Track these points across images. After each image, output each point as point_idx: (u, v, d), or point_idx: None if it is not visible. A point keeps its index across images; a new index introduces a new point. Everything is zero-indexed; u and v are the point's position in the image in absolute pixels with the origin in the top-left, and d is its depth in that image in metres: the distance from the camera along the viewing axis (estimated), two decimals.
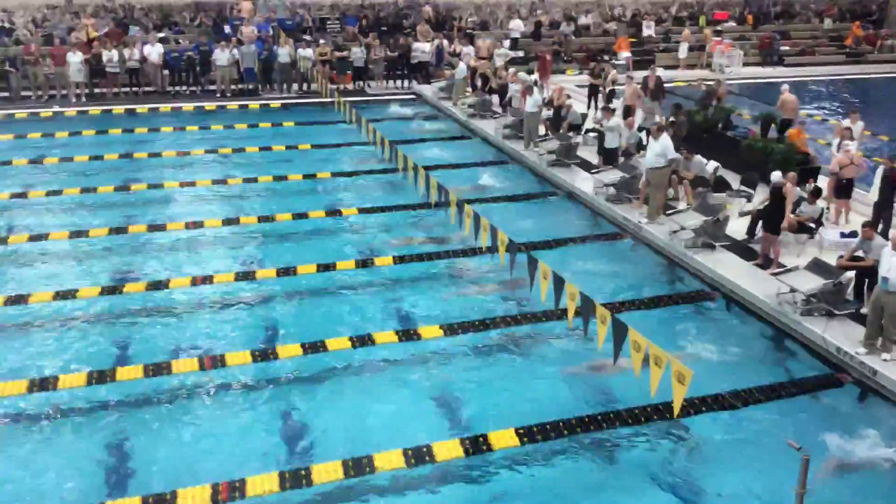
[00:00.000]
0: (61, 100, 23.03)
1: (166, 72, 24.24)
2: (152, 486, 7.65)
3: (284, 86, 24.64)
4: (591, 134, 18.78)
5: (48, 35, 25.66)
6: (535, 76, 22.56)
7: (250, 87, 24.34)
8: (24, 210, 15.12)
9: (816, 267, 10.78)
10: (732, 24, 34.14)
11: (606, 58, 27.34)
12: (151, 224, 14.27)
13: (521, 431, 8.45)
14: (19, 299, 11.35)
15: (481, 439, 8.34)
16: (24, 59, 22.91)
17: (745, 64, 29.84)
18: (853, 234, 12.20)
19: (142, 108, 22.46)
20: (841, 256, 11.11)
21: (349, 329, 10.65)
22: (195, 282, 11.94)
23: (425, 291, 12.02)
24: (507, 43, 28.17)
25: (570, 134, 18.24)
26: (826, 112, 24.32)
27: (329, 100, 21.79)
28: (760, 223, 12.66)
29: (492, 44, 26.44)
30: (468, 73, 23.63)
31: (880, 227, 12.39)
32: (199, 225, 14.28)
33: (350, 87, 25.11)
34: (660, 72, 20.82)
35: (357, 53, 25.11)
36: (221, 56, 23.48)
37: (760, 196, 13.48)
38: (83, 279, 12.16)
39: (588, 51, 29.09)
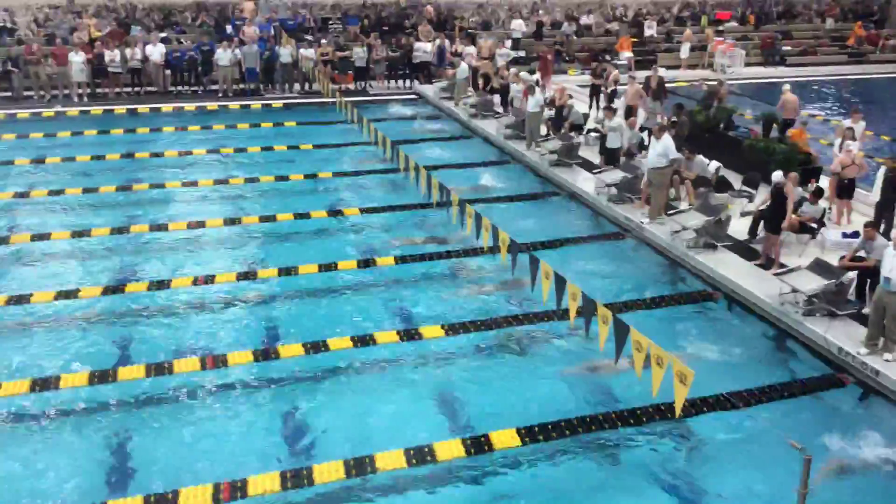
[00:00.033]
0: (63, 99, 23.05)
1: (168, 72, 24.25)
2: (154, 486, 7.66)
3: (286, 86, 24.65)
4: (593, 134, 18.78)
5: (50, 35, 25.69)
6: (537, 76, 22.56)
7: (252, 87, 24.35)
8: (27, 210, 15.14)
9: (818, 267, 10.77)
10: (734, 24, 34.14)
11: (608, 58, 27.33)
12: (153, 224, 14.28)
13: (523, 431, 8.45)
14: (21, 299, 11.36)
15: (483, 439, 8.34)
16: (26, 58, 22.93)
17: (747, 64, 29.82)
18: (855, 235, 12.20)
19: (143, 108, 22.48)
20: (843, 257, 11.11)
21: (350, 329, 10.65)
22: (197, 281, 11.95)
23: (427, 291, 12.02)
24: (508, 43, 28.15)
25: (572, 134, 18.23)
26: (828, 112, 24.30)
27: (331, 100, 21.80)
28: (762, 223, 12.65)
29: (493, 44, 26.43)
30: (470, 73, 23.63)
31: (882, 227, 12.39)
32: (200, 225, 14.29)
33: (352, 87, 25.12)
34: (662, 72, 20.80)
35: (359, 53, 25.11)
36: (223, 56, 23.49)
37: (762, 196, 13.47)
38: (85, 279, 12.18)
39: (590, 51, 29.08)
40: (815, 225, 12.71)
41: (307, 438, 8.57)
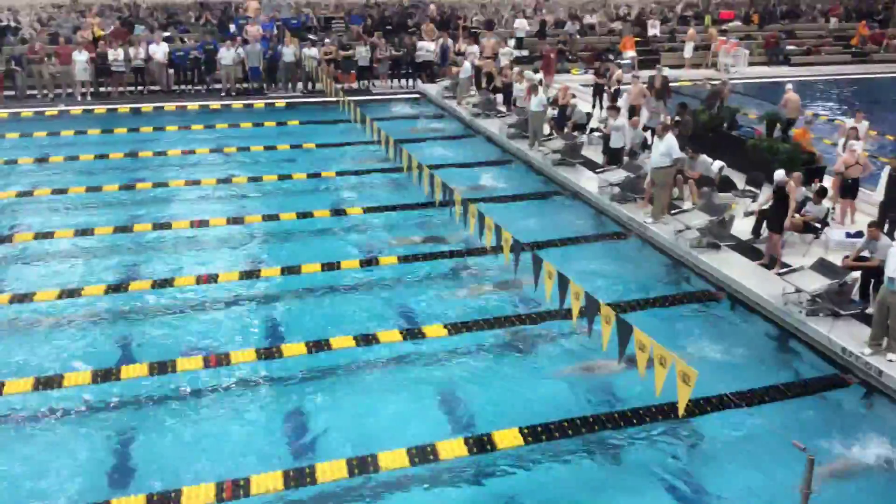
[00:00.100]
0: (67, 98, 23.09)
1: (171, 71, 24.27)
2: (157, 484, 7.67)
3: (289, 85, 24.66)
4: (596, 133, 18.76)
5: (54, 34, 25.71)
6: (540, 75, 22.54)
7: (255, 86, 24.36)
8: (30, 209, 15.15)
9: (822, 267, 10.75)
10: (738, 23, 34.11)
11: (611, 57, 27.29)
12: (156, 223, 14.29)
13: (526, 431, 8.44)
14: (25, 297, 11.37)
15: (485, 439, 8.33)
16: (29, 57, 22.97)
17: (751, 63, 29.77)
18: (859, 234, 12.17)
19: (147, 107, 22.50)
20: (846, 256, 11.09)
21: (353, 328, 10.64)
22: (200, 280, 11.96)
23: (429, 291, 12.02)
24: (511, 42, 28.15)
25: (575, 133, 18.21)
26: (832, 112, 24.25)
27: (334, 99, 21.78)
28: (765, 223, 12.63)
29: (496, 43, 26.43)
30: (473, 72, 23.62)
31: (886, 227, 12.35)
32: (204, 224, 14.31)
33: (355, 86, 25.13)
34: (665, 71, 20.78)
35: (362, 52, 25.11)
36: (226, 55, 23.51)
37: (765, 195, 13.44)
38: (88, 278, 12.19)
39: (593, 50, 29.05)
40: (818, 225, 12.68)
41: (310, 437, 8.57)
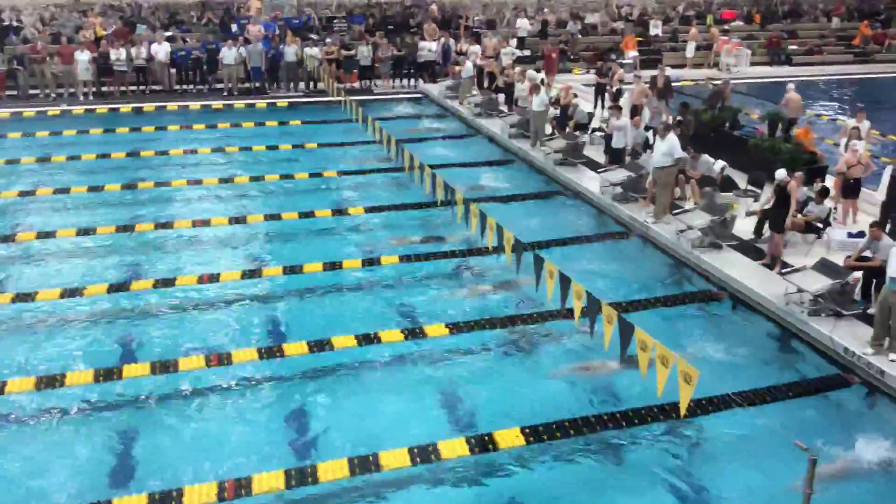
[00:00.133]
0: (69, 98, 23.12)
1: (173, 70, 24.31)
2: (158, 483, 7.67)
3: (291, 84, 24.68)
4: (598, 133, 18.75)
5: (56, 33, 25.74)
6: (542, 74, 22.53)
7: (257, 85, 24.38)
8: (32, 208, 15.17)
9: (824, 267, 10.74)
10: (740, 23, 34.06)
11: (613, 57, 27.27)
12: (158, 222, 14.31)
13: (527, 431, 8.44)
14: (27, 297, 11.39)
15: (487, 438, 8.33)
16: (31, 57, 23.00)
17: (753, 63, 29.74)
18: (861, 234, 12.15)
19: (149, 107, 22.52)
20: (848, 256, 11.08)
21: (355, 327, 10.64)
22: (202, 280, 11.97)
23: (431, 290, 12.02)
24: (513, 42, 28.14)
25: (577, 133, 18.21)
26: (834, 112, 24.22)
27: (335, 99, 21.81)
28: (767, 222, 12.61)
29: (498, 42, 26.43)
30: (475, 71, 23.61)
31: (888, 227, 12.33)
32: (205, 223, 14.32)
33: (356, 85, 25.13)
34: (668, 71, 20.76)
35: (364, 52, 25.12)
36: (228, 55, 23.53)
37: (766, 195, 13.43)
38: (90, 277, 12.20)
39: (595, 50, 29.04)
40: (820, 225, 12.67)
41: (311, 436, 8.57)
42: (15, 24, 27.39)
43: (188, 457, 8.15)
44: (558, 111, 19.43)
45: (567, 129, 18.50)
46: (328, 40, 25.78)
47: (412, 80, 25.99)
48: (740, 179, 15.10)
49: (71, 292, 11.51)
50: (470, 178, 17.08)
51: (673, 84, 20.76)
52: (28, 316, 11.00)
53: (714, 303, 11.70)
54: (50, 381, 9.27)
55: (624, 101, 18.77)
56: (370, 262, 12.75)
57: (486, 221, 11.54)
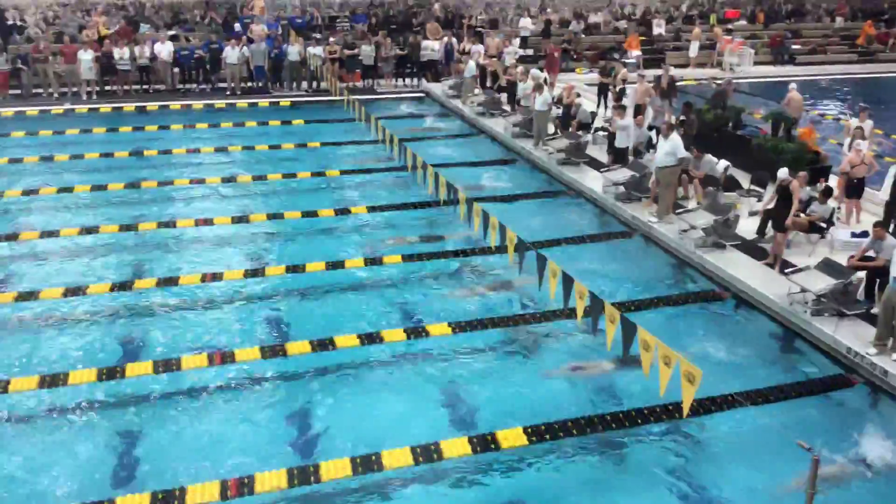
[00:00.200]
0: (72, 97, 23.14)
1: (177, 69, 24.33)
2: (161, 482, 7.68)
3: (294, 84, 24.69)
4: (601, 133, 18.74)
5: (59, 33, 25.77)
6: (545, 74, 22.52)
7: (260, 84, 24.38)
8: (35, 207, 15.19)
9: (827, 267, 10.73)
10: (743, 22, 33.99)
11: (616, 56, 27.25)
12: (161, 221, 14.32)
13: (530, 430, 8.44)
14: (29, 295, 11.41)
15: (489, 437, 8.33)
16: (34, 56, 23.03)
17: (756, 62, 29.69)
18: (864, 234, 12.13)
19: (152, 106, 22.53)
20: (852, 256, 11.06)
21: (357, 326, 10.65)
22: (205, 278, 11.98)
23: (434, 289, 12.02)
24: (516, 41, 28.13)
25: (580, 133, 18.19)
26: (838, 111, 24.18)
27: (338, 98, 21.82)
28: (770, 222, 12.59)
29: (501, 42, 26.41)
30: (477, 71, 23.61)
31: (892, 226, 12.31)
32: (208, 222, 14.33)
33: (359, 85, 25.13)
34: (672, 71, 20.73)
35: (366, 51, 25.12)
36: (231, 54, 23.54)
37: (769, 194, 13.42)
38: (93, 276, 12.22)
39: (598, 49, 29.02)
40: (824, 224, 12.65)
41: (314, 436, 8.58)
42: (18, 23, 27.42)
43: (191, 455, 8.16)
44: (561, 111, 19.42)
45: (570, 129, 18.48)
46: (331, 39, 25.78)
47: (415, 80, 25.99)
48: (743, 179, 15.08)
49: (74, 291, 11.53)
50: (472, 178, 17.07)
51: (676, 83, 20.73)
52: (31, 315, 11.01)
53: (717, 302, 11.69)
54: (53, 380, 9.28)
55: (627, 101, 18.75)
56: (372, 261, 12.75)
57: (489, 221, 11.55)
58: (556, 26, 30.91)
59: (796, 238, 12.69)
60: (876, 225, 10.84)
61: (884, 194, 13.52)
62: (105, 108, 22.43)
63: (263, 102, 23.29)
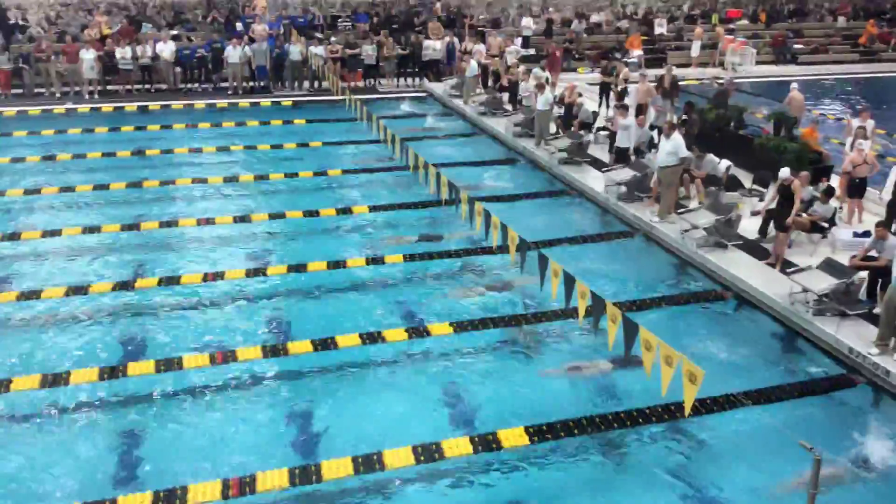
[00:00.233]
0: (74, 97, 23.17)
1: (178, 69, 24.35)
2: (163, 482, 7.68)
3: (296, 83, 24.71)
4: (603, 132, 18.73)
5: (61, 32, 25.80)
6: (546, 73, 22.51)
7: (262, 84, 24.40)
8: (37, 206, 15.21)
9: (829, 267, 10.72)
10: (745, 21, 33.97)
11: (618, 56, 27.23)
12: (163, 220, 14.33)
13: (531, 430, 8.44)
14: (31, 295, 11.42)
15: (491, 437, 8.33)
16: (36, 56, 23.05)
17: (758, 62, 29.68)
18: (866, 234, 12.12)
19: (154, 106, 22.55)
20: (854, 256, 11.05)
21: (359, 326, 10.65)
22: (206, 278, 11.98)
23: (435, 289, 12.02)
24: (518, 41, 28.13)
25: (581, 132, 18.19)
26: (840, 111, 24.14)
27: (340, 97, 21.83)
28: (772, 222, 12.59)
29: (503, 41, 26.41)
30: (479, 70, 23.60)
31: (894, 226, 12.30)
32: (210, 221, 14.34)
33: (361, 84, 25.14)
34: (674, 70, 20.71)
35: (368, 51, 25.13)
36: (233, 53, 23.55)
37: (770, 194, 13.40)
38: (95, 275, 12.23)
39: (600, 48, 29.00)
40: (826, 224, 12.63)
41: (315, 435, 8.58)
42: (20, 22, 27.46)
43: (192, 454, 8.16)
44: (563, 110, 19.41)
45: (571, 129, 18.48)
46: (333, 39, 25.80)
47: (416, 79, 25.99)
48: (745, 179, 15.06)
49: (75, 291, 11.54)
50: (474, 177, 17.08)
51: (679, 83, 20.72)
52: (33, 314, 11.02)
53: (719, 302, 11.68)
54: (54, 380, 9.29)
55: (629, 100, 18.73)
56: (374, 260, 12.75)
57: (491, 220, 11.54)
58: (557, 26, 30.89)
59: (798, 238, 12.67)
60: (878, 225, 10.83)
61: (886, 194, 13.51)
62: (107, 107, 22.45)
63: (265, 102, 23.31)
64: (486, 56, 24.84)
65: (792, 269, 11.23)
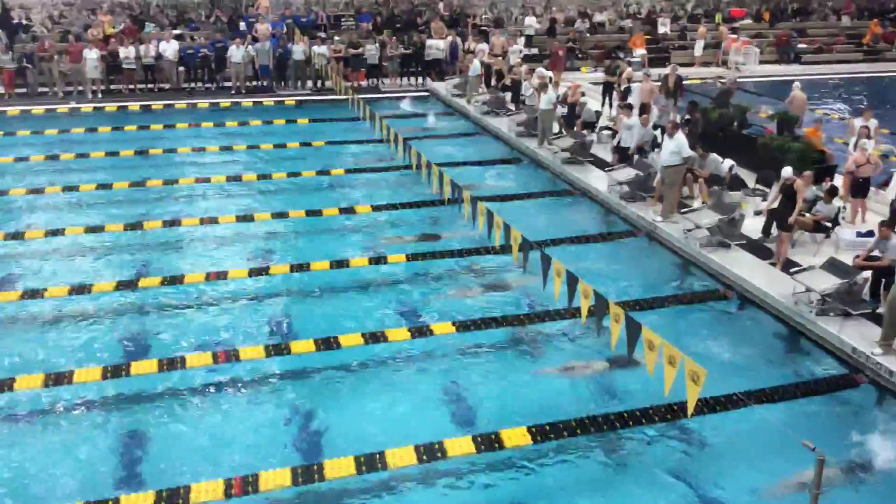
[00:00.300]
0: (77, 96, 23.18)
1: (182, 68, 24.35)
2: (165, 481, 7.69)
3: (299, 83, 24.71)
4: (606, 132, 18.71)
5: (65, 31, 25.81)
6: (550, 73, 22.49)
7: (265, 83, 24.41)
8: (40, 205, 15.23)
9: (832, 266, 10.70)
10: (749, 21, 33.91)
11: (621, 55, 27.20)
12: (166, 220, 14.35)
13: (534, 430, 8.44)
14: (35, 294, 11.44)
15: (493, 437, 8.33)
16: (40, 55, 23.07)
17: (762, 61, 29.63)
18: (869, 234, 12.10)
19: (157, 105, 22.57)
20: (857, 256, 11.03)
21: (361, 325, 10.66)
22: (209, 277, 11.99)
23: (438, 288, 12.02)
24: (521, 40, 28.11)
25: (584, 132, 18.17)
26: (843, 111, 24.10)
27: (343, 97, 21.82)
28: (775, 222, 12.57)
29: (506, 41, 26.39)
30: (482, 70, 23.59)
31: None
32: (213, 221, 14.35)
33: (364, 84, 25.14)
34: (677, 70, 20.68)
35: (371, 50, 25.13)
36: (236, 53, 23.56)
37: (773, 194, 13.38)
38: (98, 274, 12.25)
39: (603, 48, 28.97)
40: (829, 224, 12.61)
41: (318, 434, 8.59)
42: (24, 21, 27.48)
43: (195, 454, 8.17)
44: (566, 109, 19.39)
45: (574, 128, 18.46)
46: (336, 38, 25.79)
47: (419, 79, 25.98)
48: (749, 178, 15.04)
49: (79, 289, 11.56)
50: (477, 177, 17.07)
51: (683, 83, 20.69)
52: (36, 313, 11.04)
53: (722, 302, 11.66)
54: (57, 378, 9.31)
55: (632, 100, 18.71)
56: (377, 260, 12.76)
57: (493, 220, 11.54)
58: (561, 25, 30.85)
59: (801, 238, 12.65)
60: (882, 224, 10.81)
61: (889, 193, 13.48)
62: (110, 106, 22.47)
63: (268, 101, 23.32)
64: (490, 55, 24.81)
65: (795, 269, 11.21)
